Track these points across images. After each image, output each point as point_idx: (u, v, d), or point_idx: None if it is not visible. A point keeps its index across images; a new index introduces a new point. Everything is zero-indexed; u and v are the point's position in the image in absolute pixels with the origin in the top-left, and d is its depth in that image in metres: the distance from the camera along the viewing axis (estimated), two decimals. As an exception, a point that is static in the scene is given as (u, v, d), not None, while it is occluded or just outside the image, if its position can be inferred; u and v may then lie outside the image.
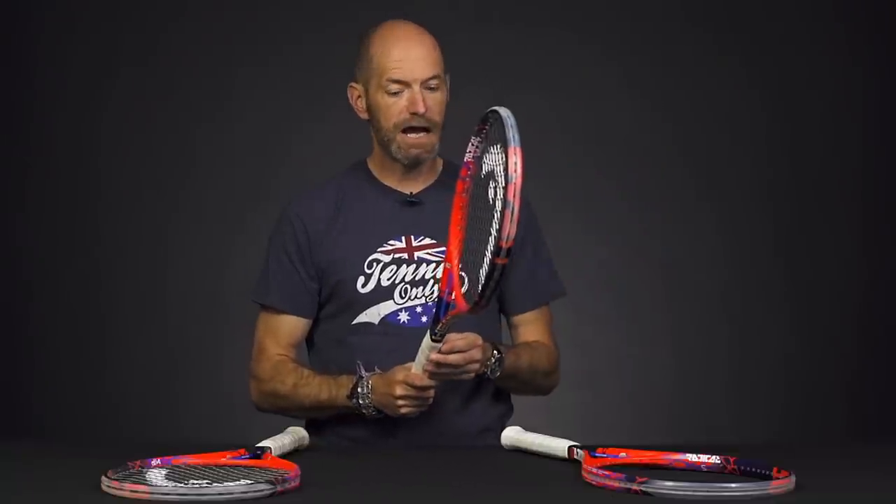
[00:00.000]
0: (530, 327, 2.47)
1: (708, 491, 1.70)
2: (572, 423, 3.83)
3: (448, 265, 2.09)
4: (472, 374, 2.24)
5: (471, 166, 2.09)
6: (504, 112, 1.93)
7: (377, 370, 2.27)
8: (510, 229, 1.84)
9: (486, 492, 1.83)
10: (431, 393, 2.20)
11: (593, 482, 1.79)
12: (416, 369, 2.18)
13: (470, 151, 2.08)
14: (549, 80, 4.19)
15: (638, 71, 4.22)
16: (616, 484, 1.75)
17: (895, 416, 4.07)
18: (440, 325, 2.09)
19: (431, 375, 2.18)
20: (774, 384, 4.18)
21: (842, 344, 4.18)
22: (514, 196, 1.85)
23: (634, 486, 1.72)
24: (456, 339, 2.17)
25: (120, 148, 4.16)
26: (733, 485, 1.72)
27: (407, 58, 2.31)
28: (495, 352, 2.30)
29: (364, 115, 2.40)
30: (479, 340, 2.21)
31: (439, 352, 2.15)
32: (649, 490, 1.71)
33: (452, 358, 2.17)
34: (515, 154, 1.86)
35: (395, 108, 2.32)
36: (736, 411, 4.16)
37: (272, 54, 4.17)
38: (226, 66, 4.17)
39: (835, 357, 4.18)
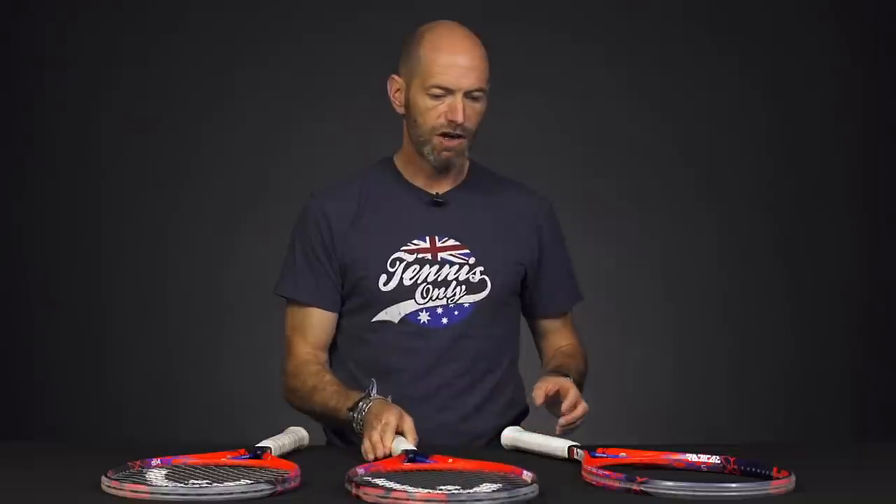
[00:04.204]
0: (558, 332, 2.49)
1: (708, 491, 1.70)
2: (572, 423, 3.83)
3: None
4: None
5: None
6: None
7: (389, 398, 2.18)
8: None
9: (486, 492, 1.82)
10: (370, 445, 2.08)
11: (593, 482, 1.79)
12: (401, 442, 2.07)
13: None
14: (548, 80, 4.19)
15: (638, 71, 4.22)
16: (616, 484, 1.75)
17: (895, 417, 4.07)
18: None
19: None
20: (774, 384, 4.18)
21: (842, 344, 4.18)
22: None
23: (634, 486, 1.72)
24: (572, 397, 2.16)
25: (120, 148, 4.16)
26: (733, 485, 1.72)
27: (455, 65, 2.29)
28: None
29: (400, 110, 2.38)
30: (568, 382, 2.22)
31: (561, 413, 2.14)
32: (649, 490, 1.71)
33: (578, 412, 2.17)
34: None
35: (434, 113, 2.30)
36: (736, 411, 4.16)
37: (272, 54, 4.17)
38: (226, 65, 4.17)
39: (835, 357, 4.18)
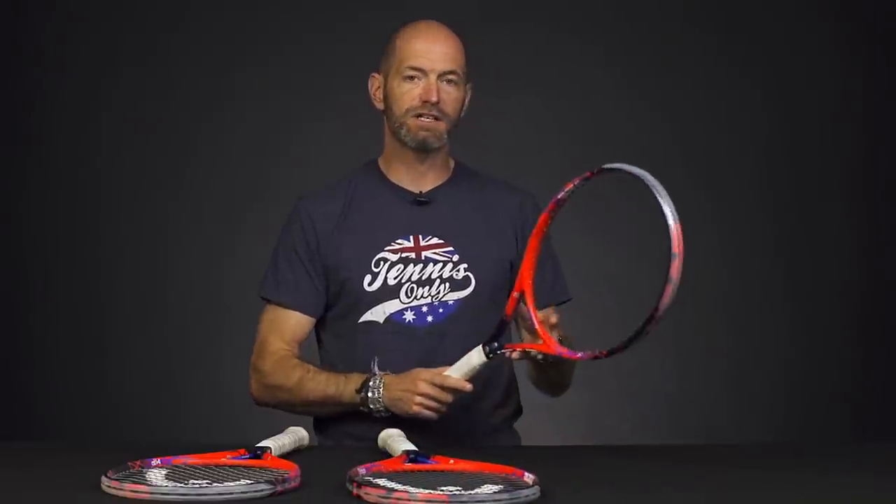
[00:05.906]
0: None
1: None
2: (573, 423, 3.83)
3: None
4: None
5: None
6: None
7: (388, 372, 2.26)
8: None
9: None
10: (450, 398, 2.18)
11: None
12: (453, 373, 2.16)
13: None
14: (547, 80, 4.19)
15: (637, 71, 4.22)
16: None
17: (895, 417, 4.07)
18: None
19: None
20: (774, 384, 4.18)
21: (842, 344, 4.18)
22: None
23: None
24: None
25: (120, 148, 4.16)
26: None
27: (429, 49, 2.33)
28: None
29: (380, 105, 2.41)
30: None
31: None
32: None
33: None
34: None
35: (408, 95, 2.33)
36: (736, 411, 4.16)
37: (272, 54, 4.18)
38: (226, 65, 4.18)
39: (835, 357, 4.18)
